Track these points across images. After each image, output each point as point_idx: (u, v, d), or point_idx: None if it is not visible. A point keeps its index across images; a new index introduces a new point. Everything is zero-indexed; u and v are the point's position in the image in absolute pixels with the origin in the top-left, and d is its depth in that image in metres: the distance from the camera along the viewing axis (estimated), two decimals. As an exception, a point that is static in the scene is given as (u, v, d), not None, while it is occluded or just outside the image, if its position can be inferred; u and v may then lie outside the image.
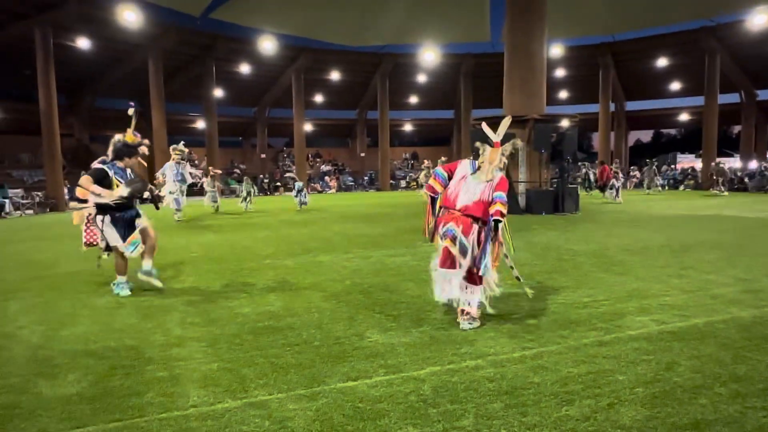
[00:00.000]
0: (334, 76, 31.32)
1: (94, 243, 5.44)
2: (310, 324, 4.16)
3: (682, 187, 25.21)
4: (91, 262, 6.03)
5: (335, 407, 2.73)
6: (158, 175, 12.40)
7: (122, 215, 5.17)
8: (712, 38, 25.14)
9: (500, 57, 15.81)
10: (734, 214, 12.21)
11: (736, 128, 34.61)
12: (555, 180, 14.28)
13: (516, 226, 10.47)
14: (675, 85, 30.89)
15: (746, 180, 23.65)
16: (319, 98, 33.89)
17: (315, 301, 4.88)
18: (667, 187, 24.32)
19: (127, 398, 2.89)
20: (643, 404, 2.69)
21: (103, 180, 5.00)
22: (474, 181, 4.21)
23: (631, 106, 33.79)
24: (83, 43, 21.85)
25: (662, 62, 28.40)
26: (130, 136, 5.44)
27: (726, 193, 20.22)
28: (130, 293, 5.25)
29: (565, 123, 14.80)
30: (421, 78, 32.81)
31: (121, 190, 5.02)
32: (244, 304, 4.80)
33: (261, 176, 29.43)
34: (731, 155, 30.93)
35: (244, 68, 28.44)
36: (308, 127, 33.01)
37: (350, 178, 33.09)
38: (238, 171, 31.67)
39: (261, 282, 5.75)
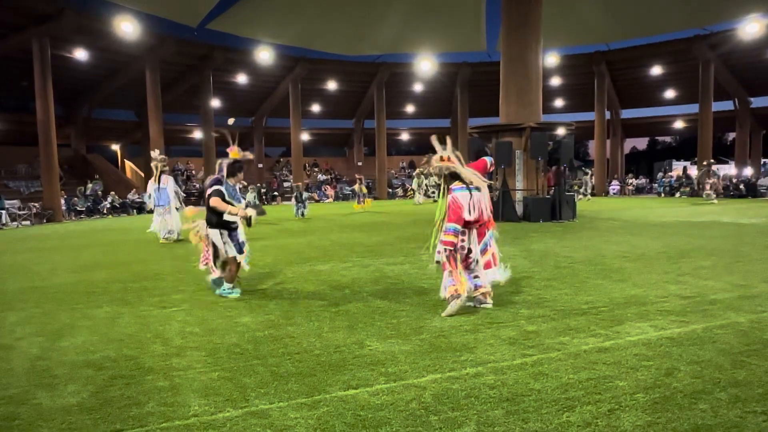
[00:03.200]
0: (331, 85, 31.46)
1: (207, 263, 5.61)
2: (310, 332, 4.16)
3: (678, 194, 25.31)
4: (90, 273, 6.02)
5: (336, 415, 2.73)
6: (146, 200, 11.47)
7: (235, 232, 5.48)
8: (705, 47, 25.38)
9: (496, 66, 15.92)
10: (731, 221, 12.27)
11: (731, 135, 34.85)
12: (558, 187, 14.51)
13: (513, 234, 10.51)
14: (669, 93, 31.13)
15: (741, 186, 23.77)
16: (316, 108, 34.00)
17: (314, 309, 4.88)
18: (589, 196, 23.89)
19: (127, 408, 2.88)
20: (644, 410, 2.70)
21: (224, 198, 5.27)
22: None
23: (627, 113, 34.02)
24: (80, 54, 21.91)
25: (656, 70, 28.63)
26: (235, 152, 5.57)
27: (715, 200, 19.60)
28: (239, 294, 5.48)
29: (561, 131, 14.88)
30: (418, 87, 32.98)
31: (249, 211, 5.30)
32: (244, 314, 4.80)
33: (258, 185, 29.42)
34: (726, 162, 31.12)
35: (241, 78, 28.55)
36: (305, 136, 33.10)
37: (347, 187, 33.13)
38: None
39: (260, 291, 5.75)
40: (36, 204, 19.70)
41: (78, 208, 21.46)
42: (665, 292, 5.21)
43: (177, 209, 11.15)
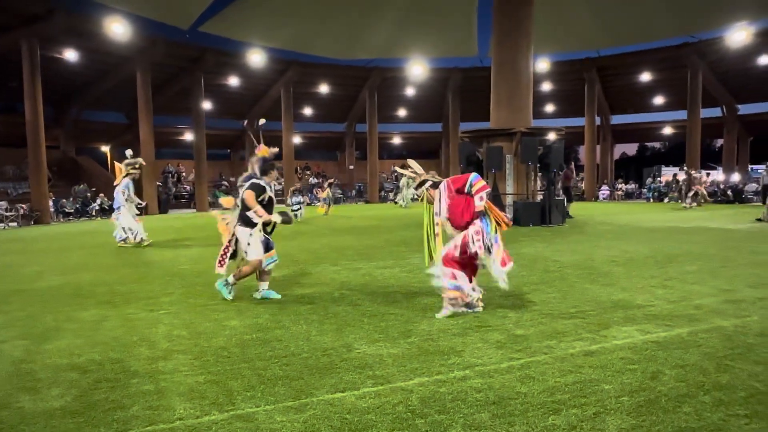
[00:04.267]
0: (323, 89, 31.47)
1: (223, 264, 5.49)
2: (298, 336, 4.15)
3: (666, 200, 25.53)
4: (76, 276, 5.97)
5: (323, 419, 2.72)
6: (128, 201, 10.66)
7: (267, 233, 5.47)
8: (693, 54, 25.67)
9: (487, 71, 16.01)
10: (717, 226, 12.39)
11: (719, 142, 35.25)
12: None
13: (503, 238, 10.53)
14: (659, 100, 31.44)
15: (728, 192, 24.03)
16: (308, 111, 33.98)
17: (303, 313, 4.87)
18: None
19: (111, 412, 2.86)
20: (629, 413, 2.72)
21: (259, 195, 5.27)
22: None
23: (617, 119, 34.30)
24: (70, 55, 21.76)
25: (646, 77, 28.93)
26: (263, 151, 5.62)
27: (689, 205, 19.21)
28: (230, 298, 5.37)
29: (551, 136, 14.98)
30: (410, 91, 33.07)
31: (275, 217, 5.36)
32: (232, 317, 4.78)
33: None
34: (714, 168, 31.47)
35: (233, 81, 28.47)
36: (297, 139, 33.05)
37: (339, 191, 33.10)
38: (225, 184, 31.54)
39: (248, 294, 5.72)
40: (23, 205, 19.49)
41: (66, 210, 21.26)
42: (652, 296, 5.25)
43: (125, 210, 10.46)
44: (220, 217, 5.58)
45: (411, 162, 5.15)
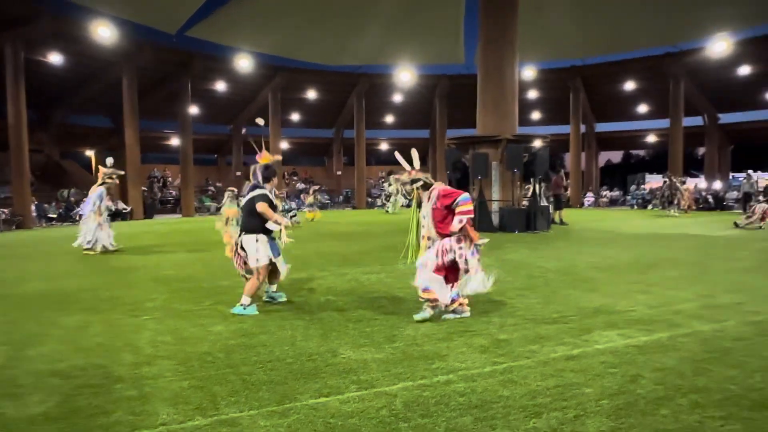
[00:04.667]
0: (311, 95, 31.49)
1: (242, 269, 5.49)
2: (283, 341, 4.16)
3: (650, 207, 25.88)
4: (60, 281, 5.92)
5: (307, 423, 2.74)
6: (111, 206, 10.61)
7: (272, 239, 5.40)
8: (675, 64, 26.14)
9: (474, 78, 16.16)
10: (698, 233, 12.61)
11: (701, 150, 35.85)
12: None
13: (489, 244, 10.56)
14: (642, 108, 31.92)
15: (710, 199, 24.44)
16: (295, 117, 33.96)
17: (288, 318, 4.88)
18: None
19: (94, 417, 2.85)
20: (608, 416, 2.77)
21: (270, 205, 5.30)
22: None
23: (601, 127, 34.71)
24: (55, 58, 21.53)
25: (630, 86, 29.37)
26: (265, 158, 5.59)
27: (674, 212, 19.26)
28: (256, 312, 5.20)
29: (537, 143, 15.15)
30: (397, 98, 33.22)
31: (285, 221, 5.35)
32: (217, 322, 4.77)
33: (234, 191, 29.19)
34: (697, 176, 31.98)
35: (220, 86, 28.39)
36: (285, 145, 32.99)
37: (326, 196, 33.06)
38: (212, 189, 31.37)
39: (234, 300, 5.69)
40: (5, 210, 19.20)
41: (49, 215, 20.99)
42: (633, 301, 5.34)
43: (98, 221, 10.19)
44: (219, 226, 5.65)
45: (414, 152, 5.05)
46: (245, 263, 5.36)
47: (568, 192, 30.56)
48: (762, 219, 13.39)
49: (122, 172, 11.21)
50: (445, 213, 4.74)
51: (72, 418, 2.85)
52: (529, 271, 7.29)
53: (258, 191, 5.29)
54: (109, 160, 11.11)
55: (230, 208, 5.77)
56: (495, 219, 13.96)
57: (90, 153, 29.66)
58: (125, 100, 23.03)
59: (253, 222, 5.24)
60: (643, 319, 4.67)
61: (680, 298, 5.47)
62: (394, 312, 5.02)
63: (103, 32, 20.39)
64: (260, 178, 5.46)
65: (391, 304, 5.34)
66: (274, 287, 5.59)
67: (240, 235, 5.35)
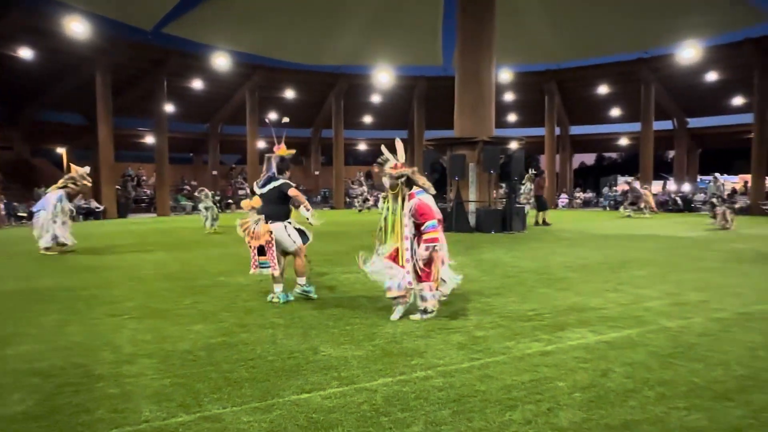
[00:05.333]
0: (289, 94, 31.36)
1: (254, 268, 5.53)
2: (264, 339, 4.20)
3: (621, 209, 26.47)
4: (35, 281, 5.82)
5: (289, 418, 2.80)
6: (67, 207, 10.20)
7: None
8: (646, 69, 26.85)
9: (452, 80, 16.34)
10: (667, 234, 13.00)
11: (671, 153, 36.80)
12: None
13: (466, 244, 10.81)
14: (615, 112, 32.65)
15: (678, 201, 25.14)
16: (273, 116, 33.76)
17: (269, 317, 4.91)
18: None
19: (76, 415, 2.85)
20: (580, 408, 2.90)
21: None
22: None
23: (575, 130, 35.38)
24: (26, 53, 21.02)
25: (603, 90, 30.03)
26: (282, 150, 5.70)
27: (629, 213, 19.88)
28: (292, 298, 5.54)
29: (513, 145, 15.41)
30: (376, 98, 33.31)
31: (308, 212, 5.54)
32: (197, 321, 4.78)
33: (213, 192, 28.86)
34: (667, 178, 32.83)
35: (197, 84, 28.06)
36: (262, 144, 32.77)
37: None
38: (188, 188, 30.98)
39: (214, 299, 5.72)
40: (-28, 209, 18.67)
41: (19, 214, 20.47)
42: (605, 300, 5.53)
43: (56, 221, 9.93)
44: (240, 222, 5.59)
45: (398, 143, 5.03)
46: (260, 252, 5.46)
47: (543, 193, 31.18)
48: (725, 220, 13.89)
49: (89, 182, 10.96)
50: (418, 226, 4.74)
51: (54, 416, 2.85)
52: (504, 271, 7.45)
53: (281, 180, 5.49)
54: (86, 169, 10.92)
55: (249, 201, 5.69)
56: (472, 220, 14.16)
57: (62, 150, 28.99)
58: (99, 97, 22.61)
59: (279, 210, 5.46)
60: (614, 316, 4.84)
61: (649, 296, 5.68)
62: (373, 311, 5.09)
63: (77, 27, 20.00)
64: (275, 169, 5.60)
65: (370, 303, 5.42)
66: (280, 287, 5.57)
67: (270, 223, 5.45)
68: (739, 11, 21.97)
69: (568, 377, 3.34)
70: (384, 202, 5.01)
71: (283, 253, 5.66)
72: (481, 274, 7.16)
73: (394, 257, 4.74)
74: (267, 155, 5.79)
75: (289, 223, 5.58)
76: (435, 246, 4.67)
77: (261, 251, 5.42)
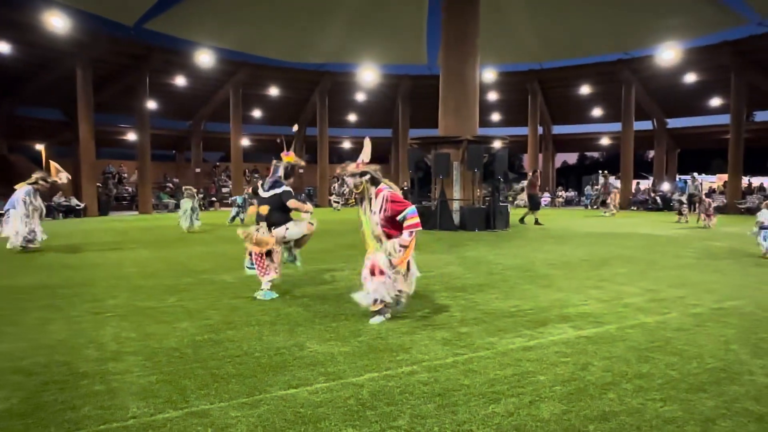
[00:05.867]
0: (273, 91, 31.17)
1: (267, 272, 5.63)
2: (251, 336, 4.22)
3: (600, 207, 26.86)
4: (14, 279, 5.72)
5: (277, 413, 2.83)
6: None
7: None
8: (627, 70, 27.26)
9: (436, 79, 16.43)
10: (647, 232, 13.26)
11: (651, 153, 37.39)
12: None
13: (450, 242, 10.91)
14: (597, 112, 33.08)
15: (658, 200, 25.60)
16: (257, 113, 33.56)
17: (255, 314, 4.93)
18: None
19: (61, 413, 2.85)
20: (560, 400, 2.98)
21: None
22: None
23: (558, 129, 35.77)
24: (3, 47, 20.59)
25: (585, 90, 30.40)
26: (290, 157, 5.80)
27: (608, 214, 20.02)
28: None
29: (496, 144, 15.55)
30: (360, 97, 33.28)
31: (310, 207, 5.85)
32: (182, 318, 4.77)
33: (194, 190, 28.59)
34: (646, 177, 33.37)
35: (180, 80, 27.73)
36: (246, 141, 32.55)
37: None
38: (170, 186, 30.65)
39: (199, 296, 5.71)
40: (-52, 206, 18.26)
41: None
42: (585, 296, 5.65)
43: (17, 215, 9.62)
44: (242, 234, 5.63)
45: (367, 142, 5.00)
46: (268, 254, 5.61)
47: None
48: (708, 217, 14.26)
49: (63, 180, 10.74)
50: (393, 218, 4.60)
51: (38, 413, 2.84)
52: (488, 268, 7.55)
53: (284, 188, 5.63)
54: (65, 176, 10.73)
55: (263, 207, 5.74)
56: (456, 218, 14.26)
57: (40, 147, 28.45)
58: (79, 93, 22.24)
59: (280, 217, 5.60)
60: (594, 312, 4.95)
61: (628, 292, 5.82)
62: (359, 307, 5.13)
63: (56, 22, 19.65)
64: (278, 175, 5.72)
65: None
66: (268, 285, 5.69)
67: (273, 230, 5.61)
68: (717, 14, 22.42)
69: (549, 371, 3.43)
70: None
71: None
72: (465, 272, 7.24)
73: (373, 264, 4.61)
74: (274, 161, 5.89)
75: (287, 228, 5.70)
76: (418, 230, 4.61)
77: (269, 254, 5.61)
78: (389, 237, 4.63)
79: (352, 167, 4.76)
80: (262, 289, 5.59)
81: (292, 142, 5.93)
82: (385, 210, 4.59)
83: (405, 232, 4.55)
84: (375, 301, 4.56)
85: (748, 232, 9.30)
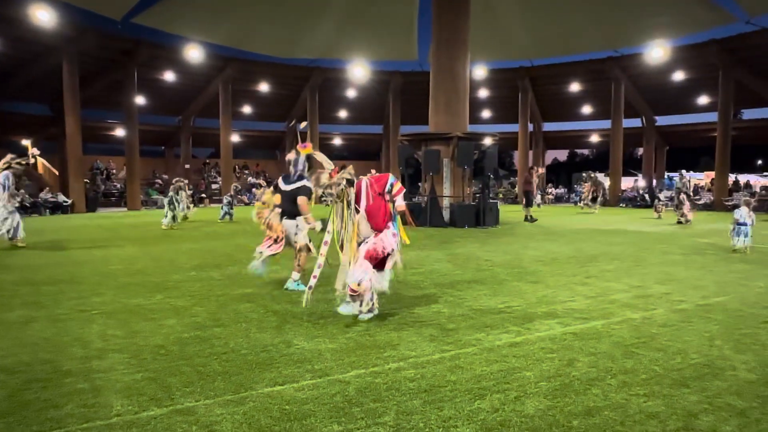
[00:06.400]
0: (263, 87, 31.01)
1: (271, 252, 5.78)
2: (237, 333, 4.20)
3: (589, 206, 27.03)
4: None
5: (262, 410, 2.82)
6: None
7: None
8: (616, 67, 27.42)
9: (427, 75, 16.42)
10: (635, 229, 13.36)
11: (640, 150, 37.68)
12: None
13: (440, 239, 10.93)
14: (586, 109, 33.27)
15: (646, 197, 25.81)
16: (247, 109, 33.35)
17: (242, 311, 4.91)
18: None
19: (44, 411, 2.82)
20: (546, 396, 3.00)
21: (311, 198, 5.79)
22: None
23: (548, 126, 35.91)
24: (-13, 41, 20.32)
25: (575, 87, 30.55)
26: (308, 149, 5.85)
27: (596, 210, 20.42)
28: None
29: (487, 141, 15.58)
30: (351, 93, 33.19)
31: (318, 225, 5.63)
32: (169, 316, 4.74)
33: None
34: (635, 175, 33.64)
35: (169, 76, 27.50)
36: (235, 138, 32.36)
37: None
38: (159, 182, 30.42)
39: (186, 294, 5.67)
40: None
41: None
42: (573, 292, 5.68)
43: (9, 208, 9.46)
44: (256, 211, 5.79)
45: (319, 155, 5.08)
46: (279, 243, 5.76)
47: (516, 189, 31.61)
48: (682, 214, 14.52)
49: (31, 159, 10.58)
50: (382, 204, 4.60)
51: (21, 412, 2.81)
52: (477, 265, 7.57)
53: (303, 183, 5.71)
54: (35, 151, 10.61)
55: (274, 196, 5.95)
56: (446, 215, 14.29)
57: (27, 143, 28.08)
58: (66, 88, 21.97)
59: (295, 209, 5.74)
60: (581, 308, 4.99)
61: (615, 289, 5.86)
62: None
63: (42, 15, 19.38)
64: (301, 168, 5.79)
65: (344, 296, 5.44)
66: (297, 275, 5.92)
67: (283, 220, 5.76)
68: (705, 12, 22.59)
69: (535, 367, 3.45)
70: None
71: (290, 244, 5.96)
72: (454, 268, 7.26)
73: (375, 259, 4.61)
74: (294, 155, 5.90)
75: (297, 226, 5.83)
76: (404, 192, 4.82)
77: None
78: (377, 231, 4.62)
79: (325, 178, 4.67)
80: (294, 280, 5.88)
81: (305, 135, 5.91)
82: (372, 197, 4.62)
83: (398, 198, 4.74)
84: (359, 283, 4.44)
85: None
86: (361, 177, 4.80)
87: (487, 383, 3.18)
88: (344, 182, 4.61)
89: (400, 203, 4.77)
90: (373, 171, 23.19)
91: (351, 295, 4.55)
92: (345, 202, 4.64)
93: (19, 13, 19.36)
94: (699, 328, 4.34)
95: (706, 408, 2.84)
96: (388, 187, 4.67)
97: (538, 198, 19.64)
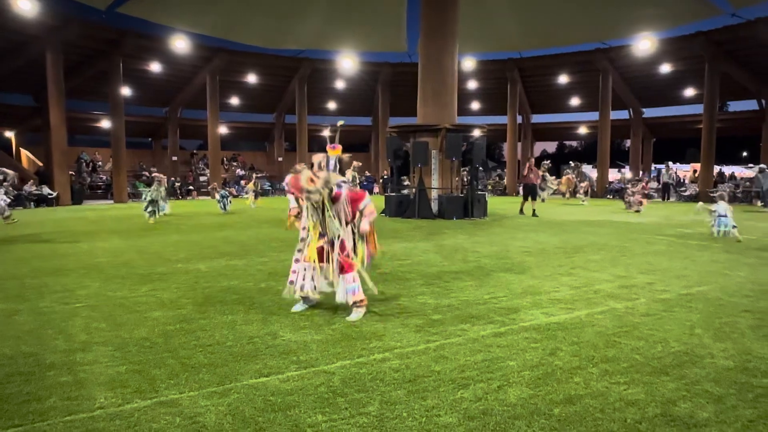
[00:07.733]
0: (251, 78, 30.73)
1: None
2: (223, 325, 4.20)
3: (578, 195, 27.24)
4: None
5: (247, 401, 2.83)
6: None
7: None
8: (604, 59, 27.53)
9: (416, 67, 16.37)
10: (620, 220, 13.49)
11: (627, 142, 37.96)
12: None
13: (428, 230, 10.96)
14: (575, 101, 33.39)
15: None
16: (235, 101, 33.06)
17: (228, 303, 4.90)
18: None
19: (26, 404, 2.81)
20: (528, 385, 3.04)
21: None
22: None
23: (537, 118, 36.00)
24: (-32, 30, 19.91)
25: (563, 79, 30.62)
26: (338, 151, 5.50)
27: (586, 203, 20.61)
28: None
29: (475, 133, 15.60)
30: (340, 84, 33.02)
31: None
32: (154, 308, 4.72)
33: (173, 179, 28.17)
34: (623, 166, 33.87)
35: (155, 67, 27.13)
36: (223, 129, 32.09)
37: (267, 183, 32.56)
38: (146, 174, 30.11)
39: (172, 286, 5.65)
40: None
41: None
42: (558, 283, 5.74)
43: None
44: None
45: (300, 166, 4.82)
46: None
47: (505, 181, 31.72)
48: (639, 203, 14.83)
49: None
50: (353, 212, 4.59)
51: (2, 405, 2.79)
52: (464, 256, 7.61)
53: (343, 187, 5.50)
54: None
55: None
56: (434, 206, 14.32)
57: (10, 134, 27.67)
58: (50, 78, 21.61)
59: None
60: (566, 298, 5.04)
61: (600, 279, 5.93)
62: (334, 296, 5.12)
63: (24, 5, 19.02)
64: (332, 168, 5.46)
65: (330, 288, 5.44)
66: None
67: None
68: (692, 5, 22.72)
69: (518, 356, 3.49)
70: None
71: None
72: (441, 260, 7.29)
73: (320, 254, 4.58)
74: (322, 156, 5.56)
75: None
76: (375, 218, 4.63)
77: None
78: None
79: (308, 184, 4.43)
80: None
81: (335, 135, 5.78)
82: (347, 214, 4.53)
83: (364, 221, 4.51)
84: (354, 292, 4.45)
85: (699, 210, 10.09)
86: (341, 186, 4.55)
87: (471, 373, 3.21)
88: (326, 192, 4.43)
89: (365, 227, 4.52)
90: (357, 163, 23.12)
91: (359, 307, 4.47)
92: (323, 209, 4.51)
93: (1, 3, 18.97)
94: (680, 317, 4.41)
95: (684, 395, 2.89)
96: (361, 206, 4.52)
97: (543, 194, 18.94)
